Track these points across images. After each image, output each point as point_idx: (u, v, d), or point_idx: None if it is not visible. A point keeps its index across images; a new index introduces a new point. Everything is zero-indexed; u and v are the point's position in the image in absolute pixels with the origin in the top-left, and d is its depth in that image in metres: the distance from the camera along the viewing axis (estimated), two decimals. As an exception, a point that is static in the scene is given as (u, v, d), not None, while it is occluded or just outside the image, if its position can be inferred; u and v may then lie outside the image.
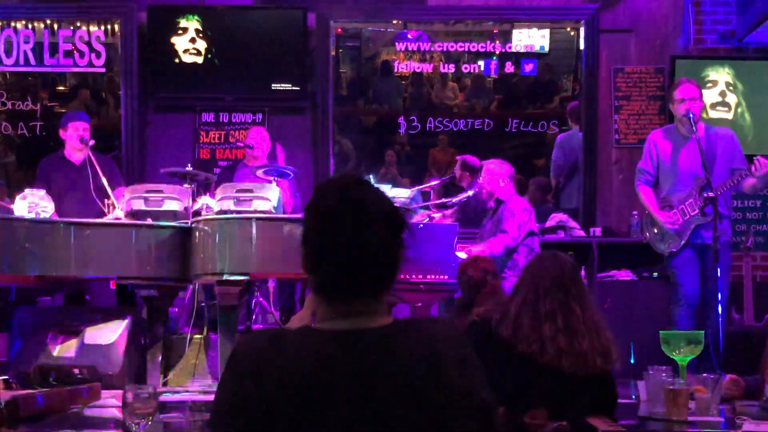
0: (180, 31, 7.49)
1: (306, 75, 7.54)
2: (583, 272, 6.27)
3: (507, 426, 2.62)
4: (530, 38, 8.38)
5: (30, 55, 7.68)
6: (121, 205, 5.48)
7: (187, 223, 5.33)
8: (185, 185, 5.75)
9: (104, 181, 5.60)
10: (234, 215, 5.09)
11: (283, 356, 1.52)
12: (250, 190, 5.30)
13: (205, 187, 6.15)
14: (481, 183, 6.06)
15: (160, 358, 5.30)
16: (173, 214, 5.38)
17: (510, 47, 8.29)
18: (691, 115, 5.15)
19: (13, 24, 7.64)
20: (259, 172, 5.92)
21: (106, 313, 5.42)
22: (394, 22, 8.28)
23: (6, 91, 8.23)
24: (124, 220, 5.32)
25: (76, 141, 6.00)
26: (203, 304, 5.61)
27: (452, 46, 8.47)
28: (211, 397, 1.60)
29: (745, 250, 6.49)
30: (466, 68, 8.90)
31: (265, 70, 7.48)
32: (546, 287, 2.82)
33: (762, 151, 5.17)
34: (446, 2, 7.66)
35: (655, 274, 6.36)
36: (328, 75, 7.65)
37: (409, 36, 8.41)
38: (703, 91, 5.69)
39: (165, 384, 5.19)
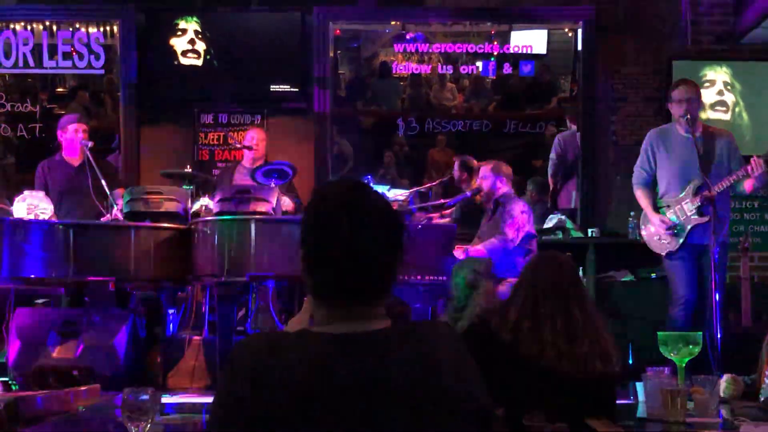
0: (179, 33, 7.50)
1: (304, 76, 7.55)
2: (581, 273, 6.30)
3: (506, 429, 2.62)
4: (528, 39, 8.40)
5: (29, 56, 7.68)
6: (119, 207, 5.48)
7: (186, 224, 5.34)
8: (184, 186, 5.75)
9: (103, 182, 5.60)
10: (233, 216, 5.09)
11: (281, 360, 1.53)
12: (249, 191, 5.31)
13: (203, 189, 6.16)
14: (479, 184, 6.06)
15: (159, 359, 5.30)
16: (172, 216, 5.39)
17: (508, 48, 8.30)
18: (688, 116, 5.16)
19: (12, 26, 7.65)
20: (259, 175, 5.93)
21: (105, 314, 5.42)
22: (393, 23, 8.29)
23: (5, 92, 8.24)
24: (123, 222, 5.33)
25: (73, 143, 6.01)
26: (202, 306, 5.62)
27: (450, 48, 8.48)
28: (210, 400, 1.61)
29: (743, 251, 6.49)
30: (464, 69, 8.92)
31: (264, 72, 7.49)
32: (545, 290, 2.81)
33: (760, 151, 5.17)
34: (444, 3, 7.66)
35: (654, 275, 6.37)
36: (327, 76, 7.65)
37: (407, 37, 8.42)
38: (702, 90, 5.69)
39: (164, 386, 5.19)
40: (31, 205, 5.33)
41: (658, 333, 3.18)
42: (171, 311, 5.83)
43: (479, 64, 8.60)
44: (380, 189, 6.28)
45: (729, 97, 7.30)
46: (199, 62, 7.49)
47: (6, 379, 4.99)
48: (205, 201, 5.77)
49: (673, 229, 5.18)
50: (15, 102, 8.12)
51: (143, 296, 5.55)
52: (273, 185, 5.76)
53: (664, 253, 5.26)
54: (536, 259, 3.06)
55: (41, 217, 5.30)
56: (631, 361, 5.43)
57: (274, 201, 5.32)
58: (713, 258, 4.90)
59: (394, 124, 9.05)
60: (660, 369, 3.05)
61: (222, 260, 5.01)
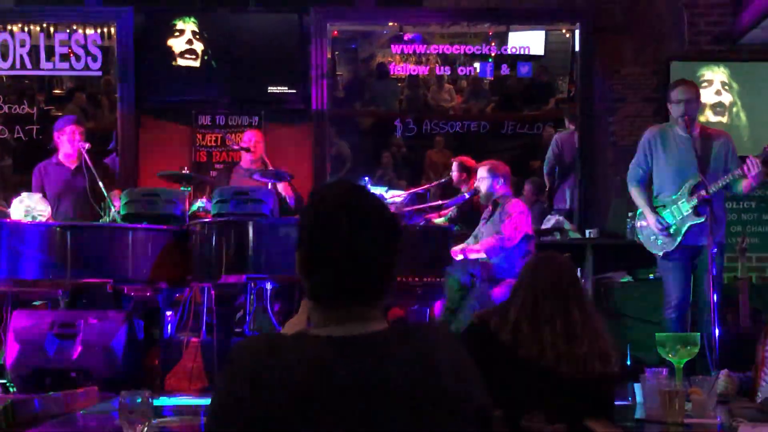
0: (177, 33, 7.49)
1: (302, 77, 7.55)
2: (579, 274, 6.30)
3: (505, 429, 2.62)
4: (526, 40, 8.40)
5: (26, 58, 7.68)
6: (117, 209, 5.48)
7: (183, 225, 5.34)
8: (182, 188, 5.75)
9: (100, 184, 5.60)
10: (230, 218, 5.09)
11: (279, 362, 1.52)
12: (247, 193, 5.31)
13: (201, 190, 6.16)
14: (477, 185, 6.06)
15: (156, 361, 5.30)
16: (170, 217, 5.39)
17: (506, 49, 8.31)
18: (686, 117, 5.16)
19: (9, 27, 7.64)
20: (256, 175, 5.93)
21: (102, 316, 5.41)
22: (390, 24, 8.29)
23: (2, 94, 8.23)
24: (121, 224, 5.32)
25: (70, 145, 6.00)
26: (200, 308, 5.61)
27: (448, 49, 8.49)
28: (208, 402, 1.60)
29: (741, 252, 6.49)
30: (462, 70, 8.93)
31: (262, 73, 7.48)
32: (545, 291, 2.81)
33: (758, 152, 5.16)
34: (442, 4, 7.66)
35: (652, 276, 6.37)
36: (325, 78, 7.65)
37: (405, 38, 8.42)
38: (700, 90, 5.69)
39: (162, 387, 5.19)
40: (29, 207, 5.32)
41: (656, 334, 3.18)
42: (169, 313, 5.83)
43: (477, 65, 8.60)
44: (378, 190, 6.29)
45: (727, 98, 7.31)
46: (197, 64, 7.49)
47: (4, 381, 4.99)
48: (202, 202, 5.77)
49: (668, 230, 5.17)
50: (12, 104, 8.12)
51: (141, 298, 5.54)
52: (270, 186, 5.77)
53: (660, 254, 5.26)
54: (535, 260, 3.05)
55: (38, 219, 5.30)
56: (629, 362, 5.43)
57: (271, 202, 5.33)
58: (711, 258, 4.90)
59: (392, 125, 9.05)
60: (658, 370, 3.04)
61: (220, 262, 5.02)
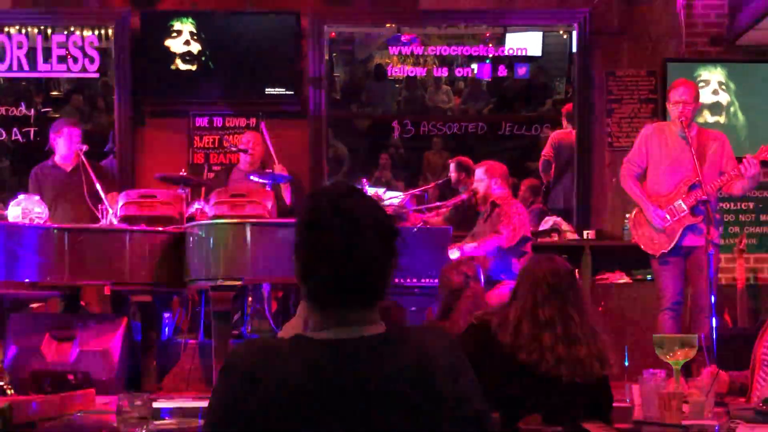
0: (174, 34, 7.48)
1: (299, 79, 7.54)
2: (577, 275, 6.29)
3: None
4: (523, 42, 8.40)
5: (23, 60, 7.66)
6: (114, 211, 5.47)
7: (181, 228, 5.34)
8: (179, 190, 5.75)
9: (98, 186, 5.59)
10: (228, 220, 5.09)
11: (276, 366, 1.52)
12: (244, 195, 5.31)
13: (199, 192, 6.15)
14: (474, 186, 6.06)
15: (154, 364, 5.30)
16: (167, 219, 5.38)
17: (503, 51, 8.30)
18: (683, 118, 5.16)
19: (6, 29, 7.63)
20: (254, 177, 5.92)
21: (100, 318, 5.42)
22: (387, 25, 8.29)
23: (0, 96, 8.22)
24: (118, 226, 5.32)
25: (67, 147, 6.00)
26: (198, 310, 5.61)
27: (445, 50, 8.49)
28: (206, 404, 1.61)
29: (738, 252, 6.50)
30: (459, 72, 8.92)
31: (259, 75, 7.48)
32: (544, 294, 2.81)
33: (755, 152, 5.16)
34: (439, 6, 7.66)
35: (649, 277, 6.37)
36: (322, 79, 7.65)
37: (402, 40, 8.42)
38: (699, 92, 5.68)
39: (159, 390, 5.18)
40: (26, 209, 5.32)
41: (654, 336, 3.18)
42: (166, 315, 5.83)
43: (474, 66, 8.60)
44: (375, 191, 6.29)
45: (724, 97, 7.31)
46: (194, 66, 7.48)
47: (1, 383, 4.97)
48: (200, 204, 5.77)
49: (666, 228, 5.16)
50: (9, 106, 8.10)
51: (138, 300, 5.53)
52: (268, 188, 5.76)
53: (657, 255, 5.26)
54: (534, 262, 3.06)
55: (36, 221, 5.29)
56: (627, 364, 5.43)
57: (269, 205, 5.32)
58: (709, 259, 4.90)
59: (390, 126, 9.04)
60: (656, 371, 3.04)
61: (217, 264, 5.01)
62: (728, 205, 7.06)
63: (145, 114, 7.64)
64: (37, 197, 5.62)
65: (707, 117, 7.26)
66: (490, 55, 8.38)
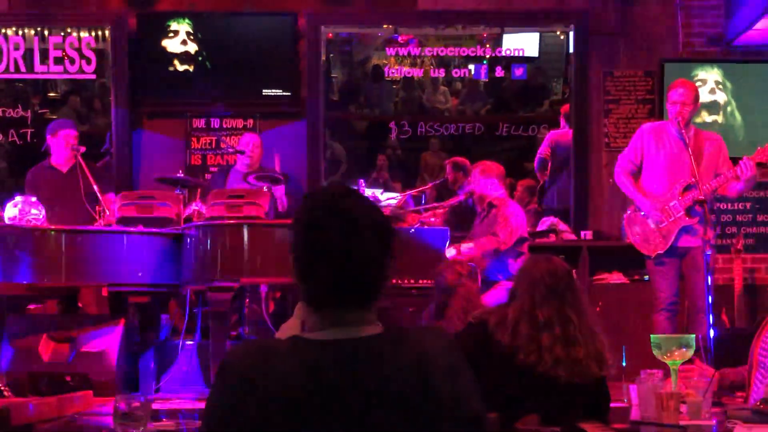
0: (171, 34, 7.47)
1: (297, 80, 7.54)
2: (574, 275, 6.30)
3: (499, 432, 2.62)
4: (520, 42, 8.41)
5: (20, 61, 7.65)
6: (112, 212, 5.47)
7: (178, 229, 5.33)
8: (177, 191, 5.75)
9: (95, 187, 5.58)
10: (225, 221, 5.09)
11: (273, 367, 1.52)
12: (242, 196, 5.30)
13: (196, 193, 6.15)
14: (471, 186, 6.06)
15: (152, 365, 5.29)
16: (165, 221, 5.38)
17: (500, 51, 8.30)
18: (680, 119, 5.16)
19: (3, 31, 7.62)
20: (251, 178, 5.92)
21: (97, 320, 5.41)
22: (385, 27, 8.29)
23: (-4, 98, 8.23)
24: (116, 227, 5.31)
25: (64, 149, 5.99)
26: (195, 311, 5.61)
27: (443, 51, 8.49)
28: (203, 405, 1.61)
29: (736, 253, 6.51)
30: (456, 73, 8.93)
31: (256, 76, 7.47)
32: (542, 294, 2.81)
33: (753, 153, 5.16)
34: (436, 7, 7.66)
35: (647, 277, 6.38)
36: (319, 80, 7.64)
37: (399, 41, 8.42)
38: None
39: (157, 391, 5.18)
40: (23, 211, 5.31)
41: (651, 336, 3.18)
42: (164, 316, 5.83)
43: (472, 67, 8.60)
44: (372, 192, 6.29)
45: (721, 96, 7.31)
46: (191, 67, 7.48)
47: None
48: (197, 206, 5.77)
49: (662, 227, 5.16)
50: (6, 107, 8.10)
51: (136, 302, 5.53)
52: (266, 189, 5.76)
53: (652, 255, 5.25)
54: (532, 262, 3.06)
55: (33, 222, 5.29)
56: (624, 364, 5.43)
57: (267, 205, 5.32)
58: (705, 260, 4.90)
59: (387, 127, 9.04)
60: (653, 372, 3.05)
61: (215, 265, 5.01)
62: (725, 206, 7.06)
63: (142, 115, 7.63)
64: (35, 198, 5.61)
65: (705, 116, 7.26)
66: (488, 56, 8.38)
